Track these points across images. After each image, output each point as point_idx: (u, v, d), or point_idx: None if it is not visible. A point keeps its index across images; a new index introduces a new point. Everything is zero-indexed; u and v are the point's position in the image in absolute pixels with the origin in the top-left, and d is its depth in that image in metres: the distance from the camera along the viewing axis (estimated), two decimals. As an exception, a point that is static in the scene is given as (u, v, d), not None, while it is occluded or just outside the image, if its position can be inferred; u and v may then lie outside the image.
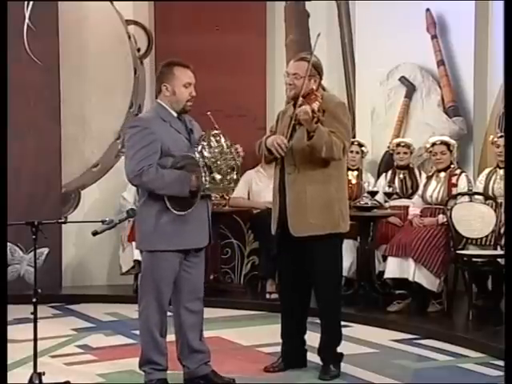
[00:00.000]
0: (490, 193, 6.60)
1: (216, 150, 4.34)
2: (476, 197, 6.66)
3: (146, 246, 4.48)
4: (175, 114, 4.47)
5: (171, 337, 4.64)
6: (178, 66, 4.46)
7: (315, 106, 4.56)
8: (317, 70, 4.83)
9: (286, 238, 4.82)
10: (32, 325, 4.25)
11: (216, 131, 4.41)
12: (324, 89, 4.92)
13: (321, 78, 4.86)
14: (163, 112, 4.45)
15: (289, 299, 4.99)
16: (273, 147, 4.73)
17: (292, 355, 5.01)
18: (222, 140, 4.39)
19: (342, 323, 5.05)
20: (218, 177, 4.31)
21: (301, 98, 4.68)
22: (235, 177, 4.40)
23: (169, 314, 4.57)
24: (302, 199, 4.72)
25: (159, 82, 4.48)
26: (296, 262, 4.88)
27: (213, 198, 7.32)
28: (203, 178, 4.25)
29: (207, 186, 4.29)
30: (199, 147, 4.32)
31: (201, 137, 4.41)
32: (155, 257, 4.42)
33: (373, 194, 7.03)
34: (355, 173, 7.43)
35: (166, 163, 4.35)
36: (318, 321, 4.96)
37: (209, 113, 4.47)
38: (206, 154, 4.30)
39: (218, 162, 4.33)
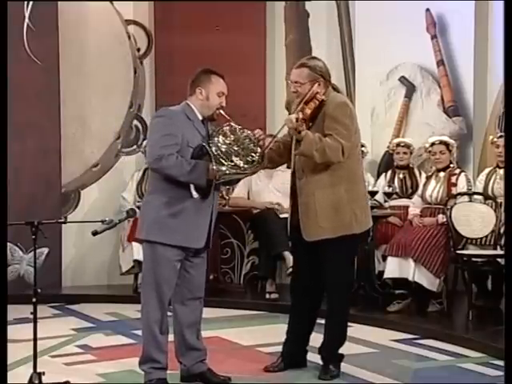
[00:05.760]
0: (490, 193, 6.60)
1: (232, 138, 4.41)
2: (476, 196, 6.66)
3: (144, 234, 4.48)
4: (200, 118, 4.54)
5: (172, 336, 4.64)
6: (215, 75, 4.60)
7: (300, 114, 4.58)
8: (317, 73, 4.76)
9: (300, 241, 4.83)
10: (32, 325, 4.26)
11: (230, 124, 4.47)
12: (336, 89, 4.90)
13: (326, 80, 4.80)
14: (190, 111, 4.52)
15: (300, 301, 4.96)
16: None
17: (292, 355, 4.99)
18: (237, 130, 4.45)
19: (342, 323, 5.05)
20: (239, 162, 4.37)
21: (302, 104, 4.69)
22: (256, 158, 4.44)
23: (169, 313, 4.56)
24: (311, 204, 4.72)
25: (194, 85, 4.55)
26: (310, 265, 4.87)
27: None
28: (223, 166, 4.31)
29: (229, 172, 4.35)
30: (215, 139, 4.38)
31: (215, 130, 4.47)
32: (154, 251, 4.43)
33: (373, 193, 7.03)
34: (355, 173, 7.42)
35: (184, 155, 4.39)
36: (321, 321, 4.95)
37: (220, 110, 4.53)
38: (221, 143, 4.36)
39: (235, 148, 4.38)
